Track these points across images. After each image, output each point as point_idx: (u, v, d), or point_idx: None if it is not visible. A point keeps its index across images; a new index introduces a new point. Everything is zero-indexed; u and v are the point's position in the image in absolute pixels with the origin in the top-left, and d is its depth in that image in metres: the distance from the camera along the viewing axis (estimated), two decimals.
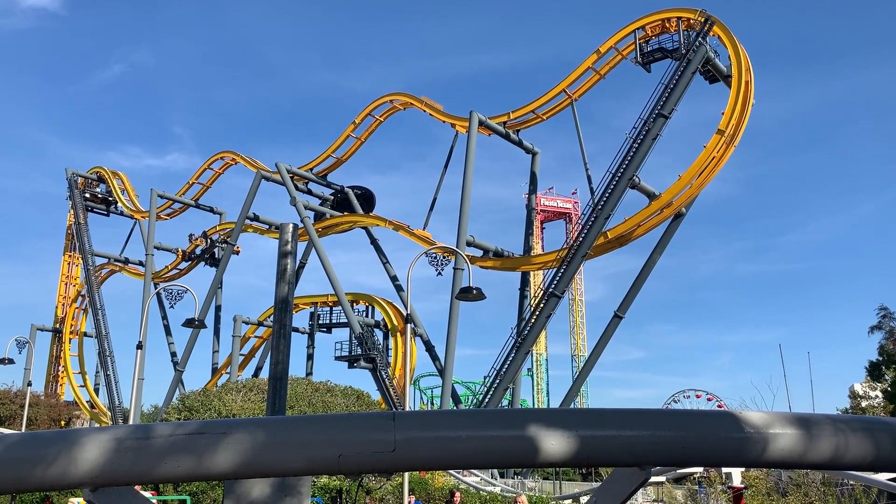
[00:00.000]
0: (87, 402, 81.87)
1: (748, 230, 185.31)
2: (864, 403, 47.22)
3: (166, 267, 77.89)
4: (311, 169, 67.66)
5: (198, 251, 74.09)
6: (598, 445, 4.28)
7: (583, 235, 48.55)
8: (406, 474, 21.76)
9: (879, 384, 47.89)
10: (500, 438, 4.30)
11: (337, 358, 61.25)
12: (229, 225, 72.34)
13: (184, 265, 77.28)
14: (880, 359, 52.15)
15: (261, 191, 66.85)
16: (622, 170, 47.05)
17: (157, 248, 77.17)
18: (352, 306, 61.70)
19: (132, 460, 4.07)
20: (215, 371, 71.40)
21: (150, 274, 74.03)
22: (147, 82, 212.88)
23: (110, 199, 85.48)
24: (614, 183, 47.20)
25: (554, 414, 4.56)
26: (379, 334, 62.74)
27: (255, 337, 72.59)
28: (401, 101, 63.35)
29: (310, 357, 68.34)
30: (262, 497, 5.84)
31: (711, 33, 48.10)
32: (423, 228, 59.95)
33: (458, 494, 20.69)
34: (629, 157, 47.02)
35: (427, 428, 4.36)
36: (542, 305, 48.88)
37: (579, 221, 52.08)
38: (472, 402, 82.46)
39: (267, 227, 71.94)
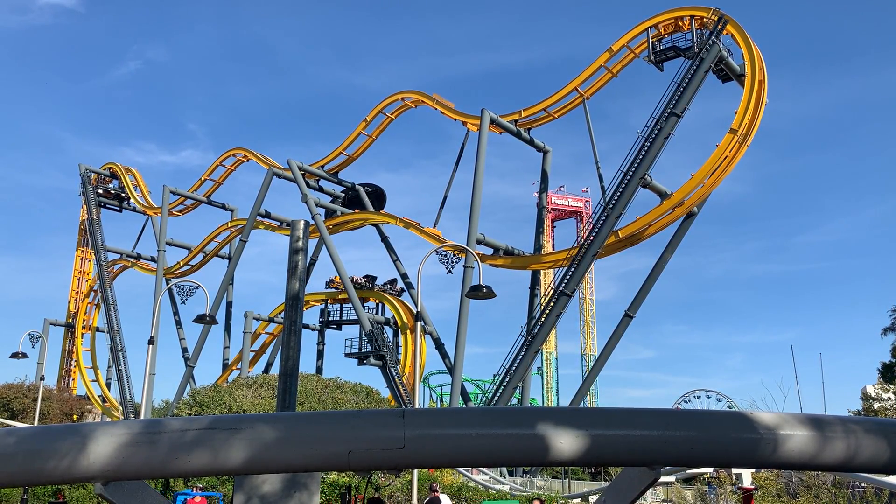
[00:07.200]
0: (98, 396, 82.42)
1: (760, 230, 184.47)
2: (876, 405, 46.75)
3: (178, 263, 78.32)
4: (323, 166, 67.81)
5: None
6: (607, 445, 4.27)
7: (594, 234, 48.41)
8: (415, 471, 21.80)
9: (892, 386, 47.54)
10: (510, 437, 4.30)
11: (347, 355, 61.44)
12: (241, 221, 72.61)
13: (195, 261, 77.83)
14: (893, 360, 51.78)
15: (272, 188, 67.18)
16: (634, 168, 46.88)
17: (169, 244, 77.63)
18: (362, 303, 61.83)
19: (143, 455, 4.10)
20: (226, 367, 71.74)
21: (162, 270, 74.46)
22: (162, 79, 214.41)
23: (123, 195, 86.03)
24: (626, 182, 47.04)
25: (563, 413, 4.56)
26: (389, 332, 62.87)
27: (266, 333, 72.89)
28: (412, 98, 63.36)
29: (320, 354, 68.56)
30: (272, 492, 5.86)
31: (725, 32, 47.83)
32: (434, 226, 59.99)
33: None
34: (641, 156, 46.84)
35: (436, 425, 4.36)
36: (552, 304, 48.80)
37: (590, 220, 51.95)
38: (481, 400, 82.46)
39: (278, 223, 72.22)
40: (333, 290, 67.52)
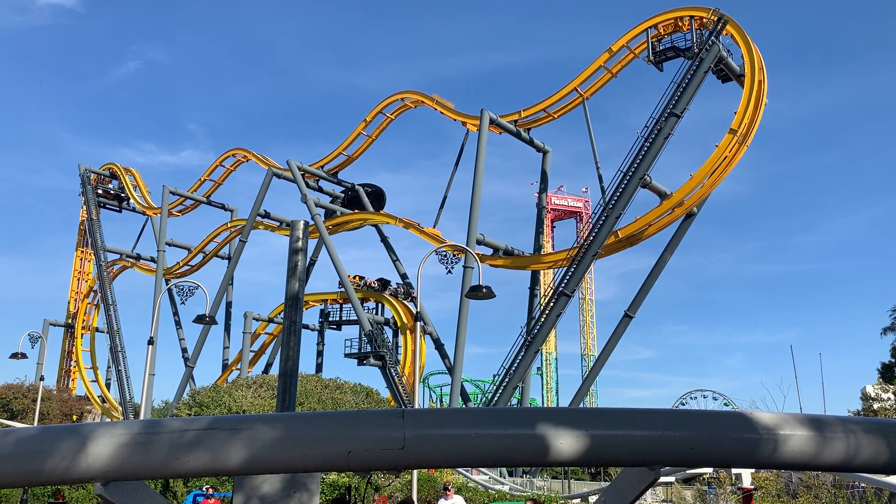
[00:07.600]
0: (98, 396, 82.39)
1: (760, 230, 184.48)
2: (876, 405, 46.75)
3: (178, 263, 78.32)
4: (323, 166, 67.82)
5: None
6: (607, 445, 4.27)
7: (593, 234, 48.42)
8: (415, 472, 21.78)
9: (892, 386, 47.54)
10: (509, 437, 4.30)
11: (347, 355, 61.40)
12: (241, 222, 72.63)
13: (195, 262, 77.82)
14: (893, 360, 51.81)
15: (272, 188, 67.17)
16: (633, 169, 46.89)
17: (169, 245, 77.65)
18: (362, 304, 61.80)
19: (143, 455, 4.10)
20: (226, 367, 71.73)
21: (162, 270, 74.45)
22: (162, 79, 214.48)
23: (122, 195, 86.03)
24: (625, 182, 47.05)
25: (563, 413, 4.56)
26: (388, 332, 62.82)
27: (266, 333, 72.88)
28: (412, 99, 63.36)
29: (320, 354, 68.51)
30: (272, 493, 5.85)
31: (724, 32, 47.83)
32: (434, 226, 59.99)
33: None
34: (640, 156, 46.85)
35: (436, 426, 4.36)
36: (552, 304, 48.79)
37: (590, 220, 51.98)
38: (481, 400, 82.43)
39: (278, 224, 72.20)
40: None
